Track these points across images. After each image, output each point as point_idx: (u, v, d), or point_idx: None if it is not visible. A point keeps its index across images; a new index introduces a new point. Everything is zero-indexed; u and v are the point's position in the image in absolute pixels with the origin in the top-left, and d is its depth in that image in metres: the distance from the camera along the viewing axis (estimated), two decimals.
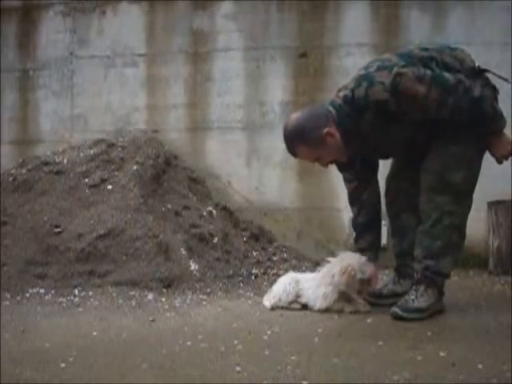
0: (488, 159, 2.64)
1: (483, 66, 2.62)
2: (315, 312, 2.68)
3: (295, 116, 2.66)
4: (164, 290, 3.19)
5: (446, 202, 2.53)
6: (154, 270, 3.29)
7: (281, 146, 2.77)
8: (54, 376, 1.86)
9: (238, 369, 1.89)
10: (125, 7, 4.55)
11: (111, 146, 4.00)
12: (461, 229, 2.60)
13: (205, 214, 3.84)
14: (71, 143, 4.37)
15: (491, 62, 3.00)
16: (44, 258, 3.40)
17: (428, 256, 2.57)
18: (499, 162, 2.62)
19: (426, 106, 2.47)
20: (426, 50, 2.62)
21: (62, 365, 1.96)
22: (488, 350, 2.07)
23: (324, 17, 4.24)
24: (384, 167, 2.92)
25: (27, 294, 3.17)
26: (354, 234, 2.94)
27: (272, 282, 3.02)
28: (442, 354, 2.01)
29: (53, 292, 3.18)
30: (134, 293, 3.12)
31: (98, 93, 4.57)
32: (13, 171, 3.90)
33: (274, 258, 3.86)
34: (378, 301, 2.81)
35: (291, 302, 2.76)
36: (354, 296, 2.68)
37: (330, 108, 2.60)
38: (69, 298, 3.08)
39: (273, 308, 2.77)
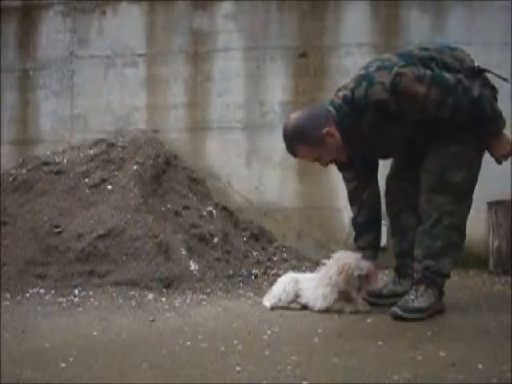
0: (488, 159, 2.64)
1: (483, 66, 2.62)
2: (315, 312, 2.68)
3: (295, 116, 2.66)
4: (164, 289, 3.19)
5: (446, 202, 2.53)
6: (154, 270, 3.29)
7: (281, 145, 2.76)
8: (54, 376, 1.86)
9: (238, 369, 1.89)
10: (125, 7, 4.55)
11: (111, 145, 4.00)
12: (461, 229, 2.60)
13: (205, 214, 3.84)
14: (71, 143, 4.37)
15: (491, 62, 3.01)
16: (44, 258, 3.40)
17: (428, 256, 2.57)
18: (498, 162, 2.62)
19: (425, 105, 2.47)
20: (426, 49, 2.62)
21: (62, 365, 1.96)
22: (488, 350, 2.06)
23: (324, 17, 4.24)
24: (384, 167, 2.92)
25: (27, 294, 3.17)
26: (354, 233, 2.94)
27: (272, 282, 3.02)
28: (442, 353, 2.01)
29: (53, 292, 3.18)
30: (133, 293, 3.12)
31: (98, 93, 4.57)
32: (13, 171, 3.90)
33: (274, 258, 3.86)
34: (378, 301, 2.81)
35: (291, 302, 2.76)
36: (354, 294, 2.68)
37: (330, 108, 2.60)
38: (69, 298, 3.08)
39: (273, 308, 2.77)
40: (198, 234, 3.64)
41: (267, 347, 2.13)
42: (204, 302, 2.98)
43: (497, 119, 2.53)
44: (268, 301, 2.81)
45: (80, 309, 2.87)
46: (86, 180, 3.74)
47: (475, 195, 2.63)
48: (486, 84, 2.59)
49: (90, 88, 4.58)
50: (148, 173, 3.81)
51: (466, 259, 3.47)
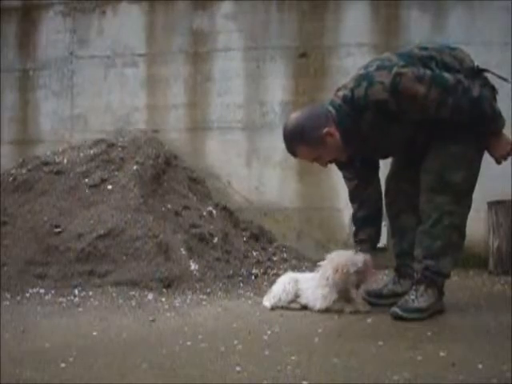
0: (488, 159, 2.64)
1: (483, 66, 2.62)
2: (315, 312, 2.68)
3: (295, 116, 2.66)
4: (164, 289, 3.19)
5: (446, 202, 2.53)
6: (154, 269, 3.29)
7: (281, 145, 2.76)
8: (54, 376, 1.86)
9: (238, 369, 1.89)
10: (125, 7, 4.55)
11: (111, 145, 4.00)
12: (461, 229, 2.60)
13: (205, 214, 3.84)
14: (71, 143, 4.37)
15: (491, 62, 3.01)
16: (44, 257, 3.40)
17: (428, 256, 2.57)
18: (498, 162, 2.62)
19: (425, 105, 2.47)
20: (426, 49, 2.62)
21: (62, 365, 1.96)
22: (488, 350, 2.07)
23: (324, 17, 4.24)
24: (385, 167, 2.92)
25: (27, 294, 3.17)
26: (354, 228, 2.93)
27: (272, 282, 3.01)
28: (442, 353, 2.01)
29: (53, 292, 3.18)
30: (134, 293, 3.12)
31: (98, 93, 4.57)
32: (13, 171, 3.90)
33: (274, 258, 3.86)
34: (378, 301, 2.81)
35: (291, 302, 2.76)
36: (354, 293, 2.68)
37: (330, 108, 2.60)
38: (69, 298, 3.08)
39: (273, 308, 2.77)
40: (198, 234, 3.64)
41: (267, 347, 2.13)
42: (204, 302, 2.98)
43: (496, 119, 2.53)
44: (268, 301, 2.81)
45: (80, 309, 2.87)
46: (86, 180, 3.74)
47: (475, 195, 2.63)
48: (486, 84, 2.59)
49: (90, 88, 4.58)
50: (148, 173, 3.81)
51: (466, 259, 3.47)
